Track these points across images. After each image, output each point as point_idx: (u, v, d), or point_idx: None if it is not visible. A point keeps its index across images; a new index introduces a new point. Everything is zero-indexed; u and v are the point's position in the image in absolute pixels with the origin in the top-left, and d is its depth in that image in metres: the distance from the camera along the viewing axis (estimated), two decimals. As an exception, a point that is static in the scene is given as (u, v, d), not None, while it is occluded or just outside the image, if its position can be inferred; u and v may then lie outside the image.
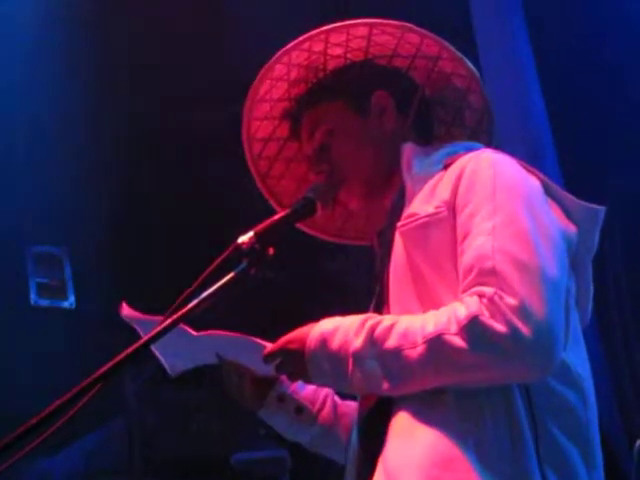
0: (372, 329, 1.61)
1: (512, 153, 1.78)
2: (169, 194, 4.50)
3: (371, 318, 1.65)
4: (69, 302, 4.49)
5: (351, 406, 1.96)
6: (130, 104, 4.34)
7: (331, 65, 1.96)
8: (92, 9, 4.15)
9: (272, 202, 2.10)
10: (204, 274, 1.68)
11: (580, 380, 1.66)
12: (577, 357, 1.67)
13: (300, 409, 1.96)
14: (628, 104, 4.08)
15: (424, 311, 1.63)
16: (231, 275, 1.68)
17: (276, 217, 1.79)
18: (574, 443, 1.61)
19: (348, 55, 1.95)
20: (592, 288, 1.78)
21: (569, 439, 1.60)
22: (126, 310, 1.90)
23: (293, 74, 1.98)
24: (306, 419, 1.96)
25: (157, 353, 1.95)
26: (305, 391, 1.97)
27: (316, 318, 1.72)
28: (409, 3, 3.67)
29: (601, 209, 1.75)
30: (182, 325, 1.80)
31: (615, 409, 3.78)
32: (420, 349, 1.56)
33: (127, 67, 4.30)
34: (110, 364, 1.53)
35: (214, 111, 4.12)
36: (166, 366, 1.99)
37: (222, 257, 1.70)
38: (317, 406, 1.97)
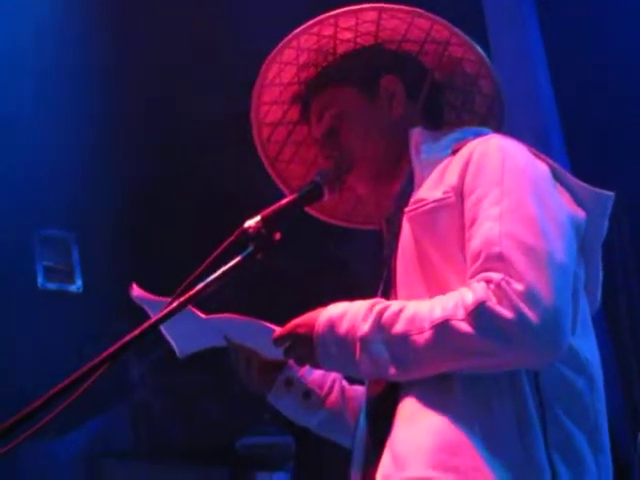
0: (380, 314, 1.61)
1: (520, 139, 1.77)
2: (178, 180, 4.50)
3: (379, 303, 1.65)
4: (76, 286, 4.49)
5: (358, 391, 1.96)
6: (140, 94, 4.34)
7: (341, 49, 1.96)
8: (103, 8, 4.15)
9: (281, 186, 2.10)
10: (210, 257, 1.68)
11: (588, 366, 1.65)
12: (586, 343, 1.67)
13: (308, 393, 1.96)
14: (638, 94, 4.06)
15: (431, 296, 1.63)
16: (237, 259, 1.68)
17: (283, 201, 1.79)
18: (581, 429, 1.61)
19: (358, 39, 1.94)
20: (601, 274, 1.77)
21: (576, 425, 1.60)
22: (136, 291, 1.91)
23: (302, 58, 1.97)
24: (314, 403, 1.97)
25: (166, 335, 1.95)
26: (313, 375, 1.98)
27: (322, 303, 1.72)
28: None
29: (610, 195, 1.75)
30: (191, 307, 1.81)
31: (621, 399, 3.78)
32: (427, 334, 1.56)
33: (137, 63, 4.30)
34: (116, 345, 1.54)
35: (222, 101, 4.12)
36: (175, 348, 1.99)
37: (229, 241, 1.70)
38: (325, 390, 1.98)
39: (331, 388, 1.98)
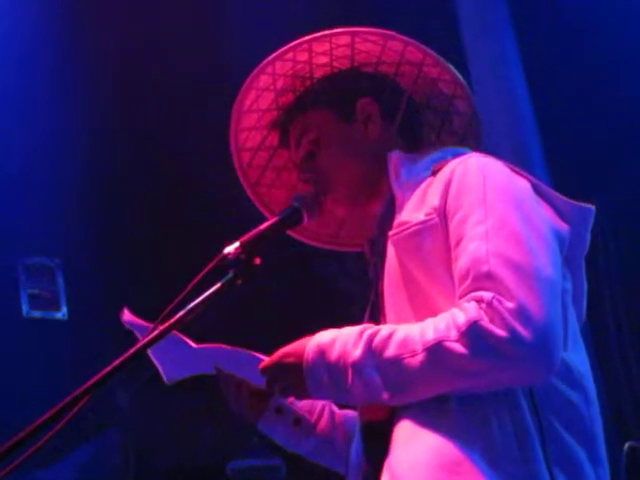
0: (370, 339, 1.60)
1: (500, 156, 1.78)
2: (163, 206, 4.49)
3: (368, 328, 1.64)
4: (62, 313, 4.47)
5: (349, 415, 1.96)
6: (126, 119, 4.34)
7: (318, 73, 1.96)
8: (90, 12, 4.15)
9: (264, 212, 2.10)
10: (190, 285, 1.67)
11: (582, 379, 1.66)
12: (577, 356, 1.67)
13: (298, 420, 1.96)
14: (617, 105, 4.09)
15: (419, 318, 1.63)
16: (217, 286, 1.68)
17: (262, 227, 1.79)
18: (579, 441, 1.61)
19: (334, 63, 1.95)
20: (586, 285, 1.78)
21: (574, 437, 1.60)
22: (127, 316, 1.91)
23: (279, 84, 1.98)
24: (304, 429, 1.96)
25: (154, 360, 1.95)
26: (302, 402, 1.97)
27: (310, 325, 1.72)
28: (394, 10, 3.69)
29: (591, 208, 1.76)
30: (180, 335, 1.81)
31: (607, 410, 3.79)
32: (420, 357, 1.55)
33: (122, 77, 4.30)
34: (102, 372, 1.53)
35: (209, 119, 4.11)
36: (163, 373, 1.99)
37: (208, 268, 1.70)
38: (315, 416, 1.97)
39: (321, 414, 1.97)
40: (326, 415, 1.97)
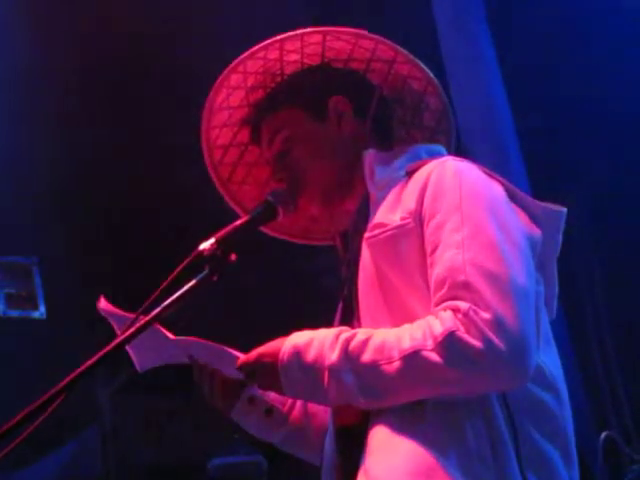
0: (346, 342, 1.62)
1: (477, 156, 1.79)
2: (141, 203, 4.48)
3: (344, 331, 1.65)
4: (40, 312, 4.45)
5: (321, 406, 1.96)
6: (101, 114, 4.33)
7: (288, 70, 1.97)
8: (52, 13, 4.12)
9: (235, 208, 2.10)
10: (165, 282, 1.68)
11: (554, 380, 1.67)
12: (550, 358, 1.69)
13: (270, 410, 1.96)
14: (594, 100, 4.11)
15: (394, 320, 1.65)
16: (193, 283, 1.68)
17: (237, 223, 1.80)
18: (553, 444, 1.63)
19: (305, 60, 1.95)
20: (557, 285, 1.79)
21: (548, 441, 1.62)
22: (103, 304, 1.91)
23: (250, 81, 1.98)
24: (276, 420, 1.97)
25: (128, 348, 1.94)
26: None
27: (293, 321, 1.73)
28: (368, 8, 3.70)
29: (563, 211, 1.77)
30: (158, 326, 1.82)
31: (584, 404, 3.81)
32: (397, 364, 1.56)
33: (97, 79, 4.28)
34: (71, 376, 1.53)
35: (184, 115, 4.09)
36: (136, 362, 1.99)
37: (183, 265, 1.70)
38: (287, 407, 1.98)
39: (293, 404, 1.98)
40: (298, 406, 1.98)
